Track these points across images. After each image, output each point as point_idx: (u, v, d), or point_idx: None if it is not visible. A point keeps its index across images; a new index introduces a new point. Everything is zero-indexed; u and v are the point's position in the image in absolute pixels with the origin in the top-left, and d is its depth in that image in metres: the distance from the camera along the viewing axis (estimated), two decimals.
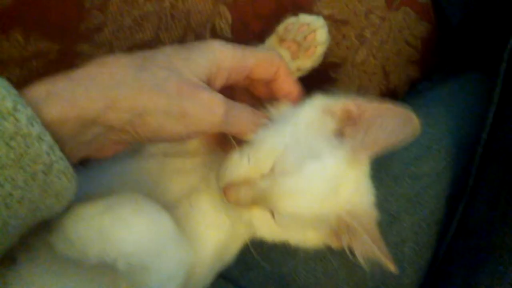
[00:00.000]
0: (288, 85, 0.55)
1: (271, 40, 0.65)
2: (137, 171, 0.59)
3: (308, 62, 0.64)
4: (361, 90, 0.85)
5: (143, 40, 0.71)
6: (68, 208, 0.46)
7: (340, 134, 0.53)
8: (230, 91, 0.55)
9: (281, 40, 0.64)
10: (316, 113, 0.54)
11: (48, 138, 0.37)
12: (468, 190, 0.65)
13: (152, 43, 0.71)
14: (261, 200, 0.52)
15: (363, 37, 0.83)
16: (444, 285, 0.63)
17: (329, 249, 0.58)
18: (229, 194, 0.52)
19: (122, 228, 0.47)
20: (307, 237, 0.57)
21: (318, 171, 0.51)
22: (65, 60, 0.68)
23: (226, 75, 0.50)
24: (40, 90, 0.39)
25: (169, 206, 0.53)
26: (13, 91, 0.36)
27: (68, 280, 0.52)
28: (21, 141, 0.36)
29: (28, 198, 0.38)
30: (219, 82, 0.49)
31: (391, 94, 0.87)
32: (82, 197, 0.48)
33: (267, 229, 0.55)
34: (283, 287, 0.63)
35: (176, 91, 0.44)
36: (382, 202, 0.59)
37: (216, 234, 0.59)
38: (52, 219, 0.43)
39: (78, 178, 0.50)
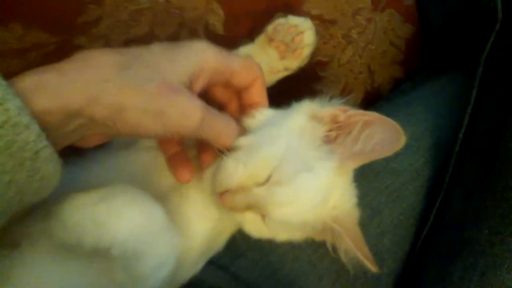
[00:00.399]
0: (261, 95, 0.56)
1: (260, 39, 0.67)
2: (132, 164, 0.61)
3: (295, 62, 0.66)
4: (346, 89, 0.87)
5: (138, 34, 0.72)
6: (65, 197, 0.48)
7: (328, 139, 0.55)
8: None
9: (270, 40, 0.65)
10: (305, 119, 0.56)
11: (35, 127, 0.39)
12: (444, 186, 0.68)
13: (147, 38, 0.73)
14: (255, 207, 0.54)
15: (350, 37, 0.85)
16: (420, 274, 0.66)
17: (313, 241, 0.61)
18: (224, 201, 0.54)
19: (116, 217, 0.49)
20: (293, 236, 0.60)
21: (311, 184, 0.53)
22: (62, 52, 0.68)
23: (209, 76, 0.50)
24: (28, 81, 0.40)
25: (161, 197, 0.54)
26: (3, 82, 0.38)
27: (67, 264, 0.54)
28: (10, 129, 0.38)
29: (15, 182, 0.39)
30: (201, 82, 0.50)
31: (375, 93, 0.89)
32: (79, 187, 0.50)
33: (256, 229, 0.57)
34: (270, 274, 0.65)
35: (156, 92, 0.45)
36: (364, 196, 0.62)
37: (205, 224, 0.61)
38: (39, 203, 0.45)
39: (75, 168, 0.52)
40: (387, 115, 0.72)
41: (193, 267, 0.63)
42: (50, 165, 0.41)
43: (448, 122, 0.74)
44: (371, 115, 0.54)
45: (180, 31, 0.74)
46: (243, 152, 0.54)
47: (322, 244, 0.61)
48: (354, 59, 0.86)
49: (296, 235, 0.60)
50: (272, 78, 0.67)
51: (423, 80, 0.87)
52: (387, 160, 0.70)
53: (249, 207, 0.55)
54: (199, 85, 0.50)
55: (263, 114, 0.57)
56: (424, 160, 0.72)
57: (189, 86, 0.48)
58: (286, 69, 0.66)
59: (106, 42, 0.71)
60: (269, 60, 0.66)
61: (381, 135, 0.53)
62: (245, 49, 0.68)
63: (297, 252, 0.66)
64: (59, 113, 0.41)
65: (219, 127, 0.51)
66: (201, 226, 0.61)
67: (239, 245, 0.65)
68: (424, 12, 0.91)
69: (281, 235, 0.59)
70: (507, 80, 0.65)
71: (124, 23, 0.72)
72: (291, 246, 0.65)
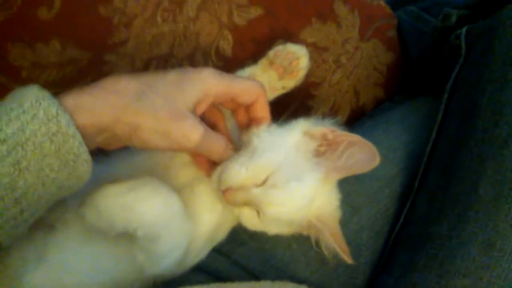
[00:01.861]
0: (263, 111, 0.63)
1: (263, 62, 0.74)
2: (151, 162, 0.68)
3: (291, 82, 0.74)
4: (335, 106, 0.93)
5: (159, 54, 0.80)
6: (98, 188, 0.57)
7: (317, 153, 0.64)
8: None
9: (271, 63, 0.73)
10: (300, 135, 0.64)
11: (78, 136, 0.47)
12: (413, 191, 0.74)
13: (166, 57, 0.80)
14: (252, 204, 0.62)
15: (339, 62, 0.92)
16: (391, 264, 0.71)
17: (301, 234, 0.68)
18: (227, 196, 0.61)
19: (142, 204, 0.57)
20: (282, 231, 0.67)
21: (299, 191, 0.61)
22: (94, 66, 0.76)
23: (212, 100, 0.58)
24: (70, 101, 0.49)
25: (175, 191, 0.62)
26: (55, 100, 0.47)
27: (96, 246, 0.62)
28: (61, 138, 0.46)
29: (59, 179, 0.48)
30: (205, 105, 0.58)
31: (359, 110, 0.95)
32: (108, 179, 0.58)
33: (252, 222, 0.65)
34: (265, 260, 0.72)
35: (165, 118, 0.52)
36: (346, 197, 0.69)
37: (211, 216, 0.68)
38: (71, 195, 0.53)
39: (103, 166, 0.61)
40: (369, 130, 0.83)
41: (199, 253, 0.69)
42: (85, 166, 0.50)
43: (419, 138, 0.80)
44: (354, 137, 0.62)
45: (195, 52, 0.81)
46: (247, 157, 0.61)
47: (309, 237, 0.68)
48: (342, 81, 0.93)
49: (284, 230, 0.66)
50: (272, 94, 0.74)
51: (401, 101, 0.92)
52: None
53: (247, 203, 0.62)
54: (202, 108, 0.58)
55: (268, 128, 0.65)
56: (398, 169, 0.78)
57: (194, 110, 0.55)
58: (283, 87, 0.73)
59: (131, 60, 0.78)
60: (269, 79, 0.73)
61: (361, 155, 0.61)
62: (249, 70, 0.75)
63: (288, 243, 0.72)
64: (92, 128, 0.50)
65: (213, 146, 0.59)
66: (207, 217, 0.67)
67: (240, 235, 0.72)
68: (404, 43, 0.97)
69: (272, 229, 0.66)
70: (466, 105, 0.71)
71: (148, 44, 0.79)
72: (283, 237, 0.71)
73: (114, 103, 0.51)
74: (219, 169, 0.62)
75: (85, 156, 0.49)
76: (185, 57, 0.81)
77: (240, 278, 0.71)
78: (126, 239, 0.59)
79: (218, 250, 0.73)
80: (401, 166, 0.80)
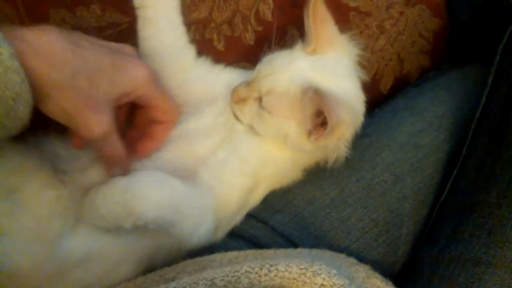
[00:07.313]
0: (162, 135, 0.65)
1: None
2: (185, 128, 0.69)
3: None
4: (378, 74, 0.91)
5: (198, 18, 0.79)
6: (95, 189, 0.56)
7: None
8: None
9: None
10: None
11: (22, 73, 0.44)
12: (461, 158, 0.72)
13: (205, 22, 0.79)
14: (252, 91, 0.64)
15: (383, 28, 0.89)
16: (436, 234, 0.70)
17: (342, 201, 0.68)
18: (232, 96, 0.65)
19: (143, 201, 0.55)
20: (291, 128, 0.63)
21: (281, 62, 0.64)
22: (134, 30, 0.75)
23: (133, 99, 0.59)
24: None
25: (205, 156, 0.64)
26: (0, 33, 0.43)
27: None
28: (2, 70, 0.42)
29: None
30: (125, 101, 0.58)
31: (403, 79, 0.93)
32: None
33: (261, 123, 0.65)
34: (303, 228, 0.71)
35: (82, 104, 0.51)
36: (389, 165, 0.69)
37: (242, 180, 0.67)
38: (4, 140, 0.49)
39: None
40: (414, 97, 0.81)
41: (233, 218, 0.70)
42: (26, 108, 0.46)
43: (467, 104, 0.78)
44: None
45: (234, 16, 0.80)
46: None
47: (350, 204, 0.68)
48: (386, 47, 0.91)
49: (293, 127, 0.63)
50: None
51: (448, 69, 0.90)
52: (411, 135, 0.76)
53: (249, 94, 0.64)
54: (123, 102, 0.58)
55: None
56: (444, 137, 0.76)
57: (115, 101, 0.55)
58: None
59: None
60: None
61: None
62: None
63: (327, 210, 0.71)
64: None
65: (110, 151, 0.57)
66: (239, 181, 0.67)
67: (277, 202, 0.72)
68: (451, 8, 0.94)
69: (280, 124, 0.63)
70: None
71: (187, 8, 0.77)
72: (322, 205, 0.71)
73: (45, 71, 0.48)
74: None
75: (27, 96, 0.45)
76: (224, 22, 0.80)
77: (278, 245, 0.70)
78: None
79: (255, 217, 0.73)
80: (447, 134, 0.78)
